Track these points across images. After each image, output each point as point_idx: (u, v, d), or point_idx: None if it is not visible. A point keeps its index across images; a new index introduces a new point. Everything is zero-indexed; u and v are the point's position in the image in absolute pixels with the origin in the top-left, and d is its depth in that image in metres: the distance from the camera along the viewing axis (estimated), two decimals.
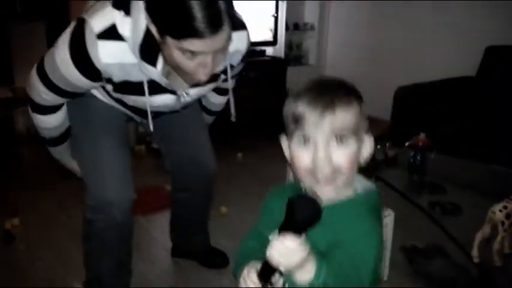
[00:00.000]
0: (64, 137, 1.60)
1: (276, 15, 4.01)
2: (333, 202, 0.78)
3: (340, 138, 0.75)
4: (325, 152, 0.75)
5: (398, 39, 4.09)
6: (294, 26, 4.62)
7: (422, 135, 2.05)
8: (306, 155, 0.76)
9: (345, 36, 4.61)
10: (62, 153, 1.69)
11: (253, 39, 3.87)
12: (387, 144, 2.12)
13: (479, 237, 1.58)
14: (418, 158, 2.03)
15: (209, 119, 1.90)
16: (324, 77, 0.82)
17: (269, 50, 4.17)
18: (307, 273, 0.69)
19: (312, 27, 4.73)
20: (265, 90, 3.80)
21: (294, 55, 4.68)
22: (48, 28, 4.16)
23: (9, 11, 4.97)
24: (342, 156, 0.75)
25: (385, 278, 1.86)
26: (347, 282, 0.73)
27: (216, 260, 1.96)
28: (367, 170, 2.03)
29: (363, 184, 0.85)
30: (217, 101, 1.80)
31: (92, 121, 1.50)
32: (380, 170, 2.05)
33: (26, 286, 1.82)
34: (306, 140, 0.76)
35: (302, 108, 0.75)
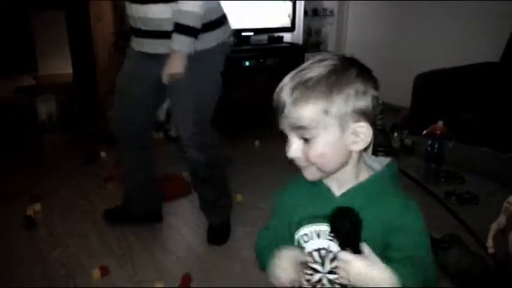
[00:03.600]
0: None
1: (294, 0, 3.96)
2: (351, 187, 0.79)
3: (301, 131, 0.75)
4: (291, 144, 0.77)
5: (420, 24, 3.99)
6: (313, 12, 4.56)
7: (440, 123, 2.00)
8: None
9: (364, 22, 4.52)
10: None
11: (271, 25, 3.88)
12: (404, 132, 2.08)
13: (494, 227, 1.54)
14: (436, 146, 1.98)
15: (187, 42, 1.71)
16: (307, 64, 0.76)
17: (287, 36, 4.12)
18: (384, 282, 0.68)
19: (331, 13, 4.66)
20: (282, 77, 3.77)
21: (313, 41, 4.62)
22: (68, 16, 4.22)
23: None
24: (308, 149, 0.75)
25: None
26: (421, 266, 0.73)
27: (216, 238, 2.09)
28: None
29: (378, 162, 0.84)
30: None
31: None
32: (396, 159, 2.01)
33: (46, 272, 1.88)
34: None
35: (273, 100, 0.78)
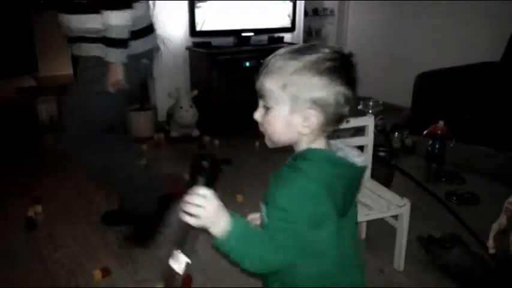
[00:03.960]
0: None
1: (294, 0, 3.96)
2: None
3: (263, 98, 0.84)
4: (257, 113, 0.87)
5: (420, 24, 3.99)
6: (313, 12, 4.57)
7: (440, 123, 2.00)
8: None
9: (365, 22, 4.52)
10: None
11: (271, 25, 3.87)
12: (405, 132, 2.08)
13: (495, 228, 1.54)
14: (437, 146, 1.98)
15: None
16: (307, 45, 0.85)
17: (287, 37, 4.13)
18: (218, 228, 0.79)
19: (332, 13, 4.66)
20: None
21: (313, 41, 4.63)
22: None
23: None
24: (261, 115, 0.86)
25: (401, 269, 1.85)
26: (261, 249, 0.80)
27: None
28: (384, 159, 2.01)
29: (350, 152, 0.88)
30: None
31: None
32: (397, 159, 2.02)
33: (48, 273, 1.88)
34: None
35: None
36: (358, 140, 1.92)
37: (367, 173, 1.94)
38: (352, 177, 0.85)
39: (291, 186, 0.78)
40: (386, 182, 1.96)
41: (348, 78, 0.80)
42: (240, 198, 2.47)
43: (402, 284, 1.79)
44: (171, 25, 3.54)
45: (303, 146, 0.86)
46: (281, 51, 0.83)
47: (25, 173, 2.86)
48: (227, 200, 2.40)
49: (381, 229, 2.03)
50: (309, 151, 0.85)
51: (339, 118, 0.83)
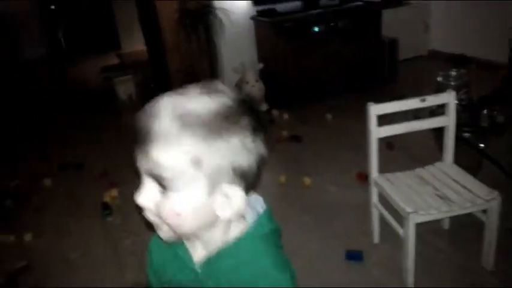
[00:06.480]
0: None
1: None
2: (216, 252, 0.61)
3: (158, 180, 0.55)
4: (143, 187, 0.58)
5: None
6: None
7: None
8: None
9: None
10: None
11: None
12: (495, 107, 1.75)
13: None
14: None
15: None
16: (195, 91, 0.56)
17: None
18: None
19: None
20: (356, 41, 3.46)
21: None
22: None
23: None
24: (162, 202, 0.56)
25: (490, 267, 1.60)
26: None
27: None
28: (467, 140, 1.73)
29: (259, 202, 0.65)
30: None
31: None
32: (484, 140, 1.71)
33: (119, 261, 1.95)
34: None
35: (139, 121, 0.56)
36: (436, 121, 1.65)
37: (450, 158, 1.68)
38: None
39: None
40: (473, 169, 1.68)
41: (264, 131, 0.57)
42: (307, 181, 2.33)
43: (492, 285, 1.56)
44: None
45: (219, 227, 0.61)
46: (166, 111, 0.54)
47: (103, 157, 2.98)
48: (293, 182, 2.28)
49: (467, 219, 1.77)
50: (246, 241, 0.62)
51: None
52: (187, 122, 0.52)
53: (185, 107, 0.53)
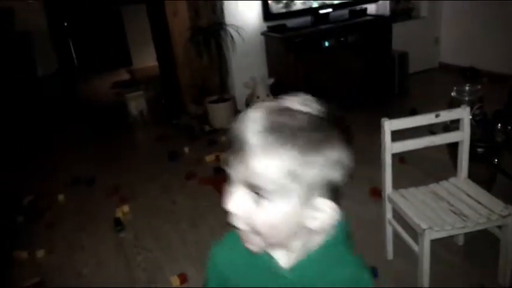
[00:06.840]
0: None
1: None
2: (301, 259, 0.63)
3: (256, 192, 0.55)
4: (235, 194, 0.58)
5: None
6: None
7: None
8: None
9: None
10: None
11: None
12: (509, 122, 1.73)
13: None
14: None
15: None
16: (286, 104, 0.57)
17: (371, 8, 3.76)
18: None
19: None
20: (366, 55, 3.47)
21: (403, 8, 4.17)
22: (148, 10, 4.32)
23: None
24: (256, 212, 0.57)
25: (507, 285, 1.57)
26: None
27: None
28: (483, 156, 1.71)
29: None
30: None
31: None
32: (500, 156, 1.69)
33: (131, 276, 1.95)
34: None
35: (233, 135, 0.57)
36: (451, 136, 1.64)
37: (464, 173, 1.66)
38: None
39: None
40: (488, 183, 1.66)
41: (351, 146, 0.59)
42: None
43: None
44: (245, 12, 3.41)
45: (302, 237, 0.62)
46: (265, 121, 0.54)
47: (115, 173, 3.00)
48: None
49: (481, 235, 1.74)
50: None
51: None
52: (287, 135, 0.53)
53: (284, 119, 0.54)
